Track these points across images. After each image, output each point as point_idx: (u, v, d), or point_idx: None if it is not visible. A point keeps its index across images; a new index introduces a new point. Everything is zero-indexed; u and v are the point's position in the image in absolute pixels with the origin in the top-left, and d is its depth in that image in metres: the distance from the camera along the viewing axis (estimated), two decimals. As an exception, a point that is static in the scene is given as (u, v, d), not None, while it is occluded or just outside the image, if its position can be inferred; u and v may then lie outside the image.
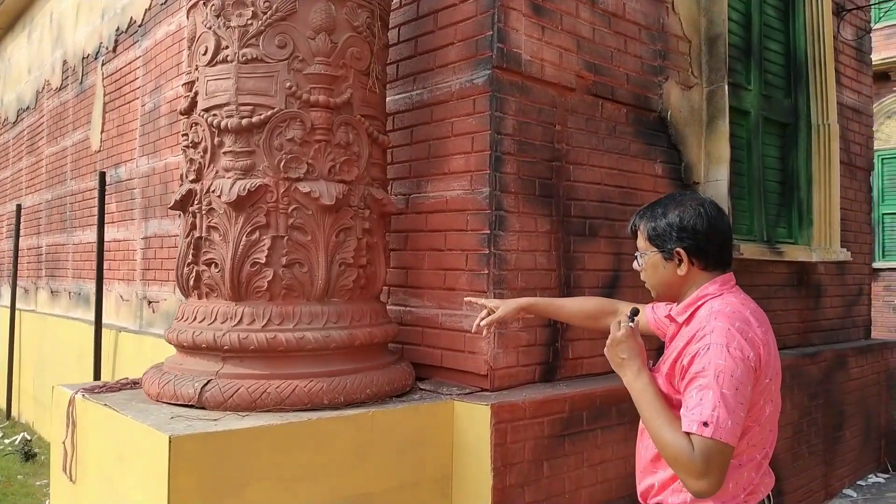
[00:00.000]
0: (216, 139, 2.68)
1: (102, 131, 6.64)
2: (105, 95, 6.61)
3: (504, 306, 2.28)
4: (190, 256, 2.71)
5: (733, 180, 4.27)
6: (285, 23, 2.65)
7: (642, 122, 3.71)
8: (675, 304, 1.80)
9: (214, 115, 2.68)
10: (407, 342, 3.26)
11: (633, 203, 3.61)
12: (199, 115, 2.73)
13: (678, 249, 1.72)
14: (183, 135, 2.85)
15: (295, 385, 2.51)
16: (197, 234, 2.71)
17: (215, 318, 2.62)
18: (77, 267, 7.17)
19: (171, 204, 2.79)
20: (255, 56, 2.64)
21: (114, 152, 6.34)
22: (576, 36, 3.33)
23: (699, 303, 1.71)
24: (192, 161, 2.77)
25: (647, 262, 1.80)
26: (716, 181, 4.02)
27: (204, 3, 2.73)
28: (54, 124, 7.98)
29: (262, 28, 2.64)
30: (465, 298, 2.44)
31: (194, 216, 2.73)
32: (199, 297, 2.73)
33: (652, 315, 2.04)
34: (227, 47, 2.67)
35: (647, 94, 3.73)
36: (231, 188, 2.60)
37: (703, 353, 1.55)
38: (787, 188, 4.89)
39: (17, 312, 8.35)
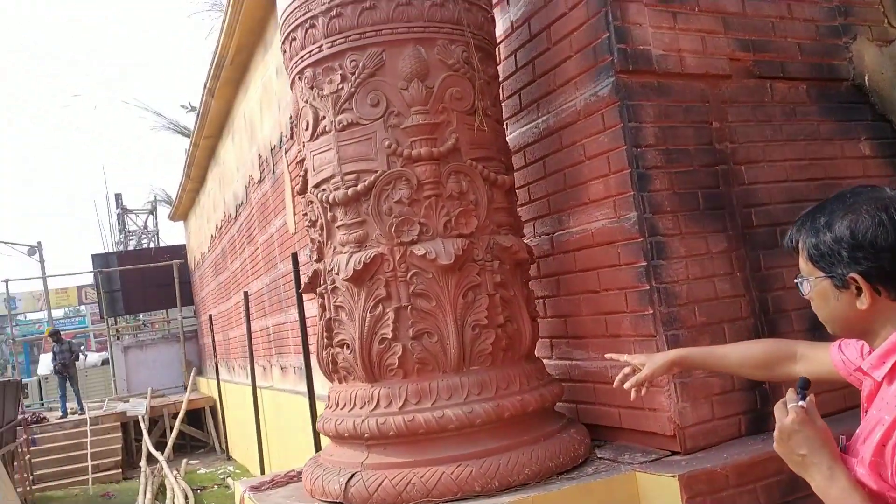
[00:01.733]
0: (329, 214, 2.56)
1: (294, 214, 7.04)
2: (291, 181, 7.03)
3: (650, 363, 1.81)
4: (325, 339, 2.59)
5: (980, 140, 3.34)
6: (375, 79, 2.48)
7: (831, 96, 3.01)
8: (865, 344, 1.28)
9: (323, 189, 2.56)
10: (580, 401, 2.86)
11: (836, 195, 2.91)
12: (311, 192, 2.63)
13: (853, 275, 1.22)
14: (303, 214, 2.77)
15: (441, 472, 2.24)
16: (327, 315, 2.58)
17: (354, 404, 2.45)
18: (297, 343, 7.62)
19: (302, 287, 2.70)
20: (350, 121, 2.49)
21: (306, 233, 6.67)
22: (720, 14, 2.79)
23: None
24: (313, 241, 2.67)
25: (815, 290, 1.30)
26: (953, 147, 3.15)
27: (299, 76, 2.65)
28: (261, 214, 8.68)
29: (353, 90, 2.49)
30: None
31: (322, 297, 2.61)
32: (340, 382, 2.59)
33: (839, 356, 1.47)
34: (324, 118, 2.56)
35: (832, 61, 3.03)
36: (347, 263, 2.44)
37: None
38: None
39: (257, 390, 9.10)
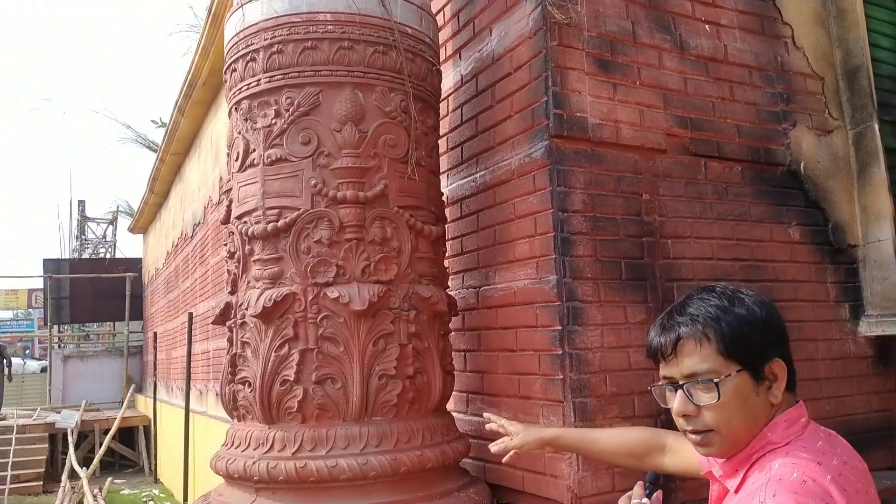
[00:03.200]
0: (247, 247, 2.51)
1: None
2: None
3: (524, 434, 1.85)
4: (228, 375, 2.52)
5: (907, 238, 3.42)
6: (309, 118, 2.46)
7: (765, 179, 3.07)
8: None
9: (245, 222, 2.52)
10: (488, 460, 2.81)
11: (761, 279, 2.95)
12: (233, 223, 2.59)
13: (777, 360, 1.18)
14: (223, 245, 2.72)
15: (325, 524, 2.16)
16: (233, 350, 2.52)
17: (249, 444, 2.38)
18: (232, 371, 7.45)
19: (213, 318, 2.64)
20: (279, 156, 2.47)
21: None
22: (661, 89, 2.84)
23: (755, 457, 1.14)
24: (229, 272, 2.62)
25: (730, 390, 1.17)
26: (878, 242, 3.23)
27: (236, 107, 2.62)
28: (215, 236, 8.56)
29: (286, 126, 2.47)
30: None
31: (231, 331, 2.55)
32: (239, 420, 2.51)
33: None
34: (254, 150, 2.53)
35: (769, 145, 3.10)
36: (258, 299, 2.39)
37: None
38: None
39: (191, 414, 8.84)
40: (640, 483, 1.28)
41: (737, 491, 1.15)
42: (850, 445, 1.20)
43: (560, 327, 2.48)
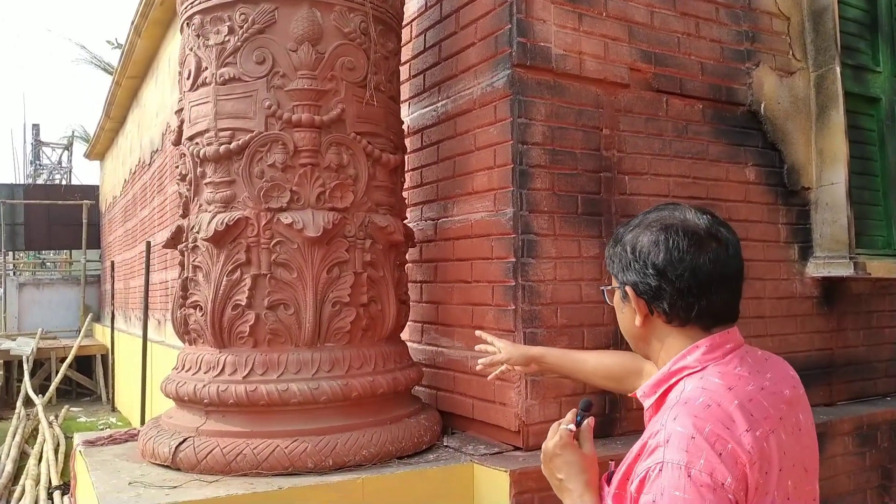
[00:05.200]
0: (199, 170, 2.45)
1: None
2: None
3: (511, 349, 1.86)
4: (180, 298, 2.49)
5: (859, 183, 3.49)
6: (264, 36, 2.37)
7: (725, 118, 3.08)
8: None
9: (196, 143, 2.45)
10: (440, 388, 2.86)
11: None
12: (185, 144, 2.51)
13: (627, 287, 1.20)
14: (175, 167, 2.65)
15: (275, 446, 2.19)
16: (185, 274, 2.48)
17: (199, 368, 2.37)
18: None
19: (165, 242, 2.59)
20: (232, 76, 2.39)
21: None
22: (627, 22, 2.80)
23: (672, 380, 1.16)
24: (181, 195, 2.56)
25: (614, 302, 1.29)
26: (831, 185, 3.28)
27: (188, 22, 2.52)
28: (175, 163, 8.35)
29: (240, 44, 2.38)
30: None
31: (182, 255, 2.51)
32: (189, 344, 2.50)
33: None
34: (206, 69, 2.44)
35: (731, 84, 3.10)
36: (210, 223, 2.34)
37: (653, 476, 1.01)
38: (938, 188, 3.96)
39: (149, 343, 8.80)
40: (573, 410, 1.31)
41: (655, 412, 1.18)
42: (787, 372, 1.21)
43: (514, 259, 2.49)
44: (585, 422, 1.29)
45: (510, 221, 2.51)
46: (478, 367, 1.96)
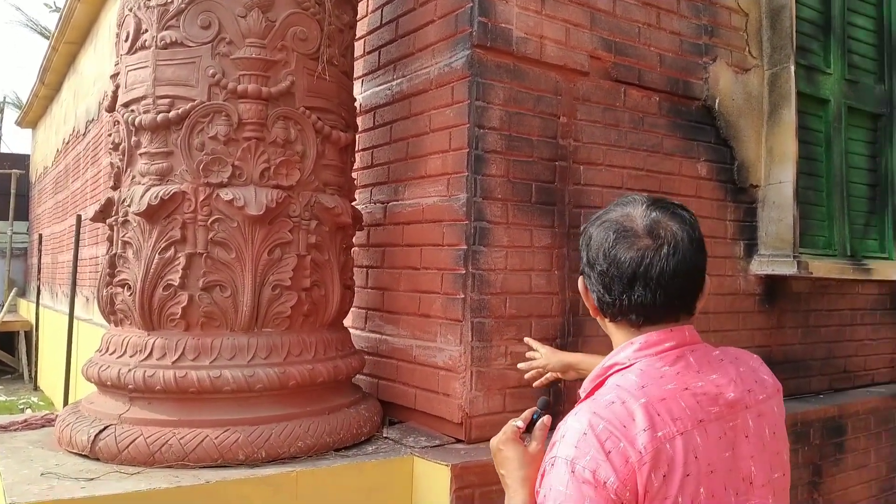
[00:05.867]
0: (133, 139, 2.28)
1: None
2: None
3: (549, 355, 1.93)
4: (107, 276, 2.32)
5: (805, 183, 3.53)
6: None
7: (681, 112, 3.05)
8: None
9: (132, 110, 2.28)
10: (382, 377, 2.76)
11: (666, 211, 2.96)
12: (119, 111, 2.34)
13: (580, 277, 1.19)
14: (108, 135, 2.47)
15: (204, 436, 2.06)
16: (113, 250, 2.31)
17: (125, 351, 2.21)
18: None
19: (93, 215, 2.41)
20: (174, 39, 2.22)
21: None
22: (589, 8, 2.73)
23: (605, 376, 1.12)
24: (112, 165, 2.39)
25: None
26: (779, 183, 3.30)
27: (126, -20, 2.34)
28: (109, 135, 7.99)
29: (184, 6, 2.22)
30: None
31: (112, 229, 2.34)
32: (116, 325, 2.33)
33: None
34: (146, 31, 2.27)
35: (688, 78, 3.07)
36: (143, 196, 2.18)
37: (547, 471, 1.01)
38: (878, 192, 4.05)
39: (75, 321, 8.42)
40: (530, 409, 1.28)
41: None
42: (747, 376, 1.13)
43: (465, 247, 2.41)
44: (541, 420, 1.24)
45: (463, 207, 2.42)
46: (526, 376, 2.07)
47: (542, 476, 1.02)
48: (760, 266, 3.32)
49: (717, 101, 3.18)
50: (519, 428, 1.23)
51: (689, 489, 0.95)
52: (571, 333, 2.62)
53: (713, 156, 3.17)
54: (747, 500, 1.01)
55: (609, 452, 0.95)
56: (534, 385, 2.09)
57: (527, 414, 1.25)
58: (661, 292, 1.05)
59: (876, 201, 4.04)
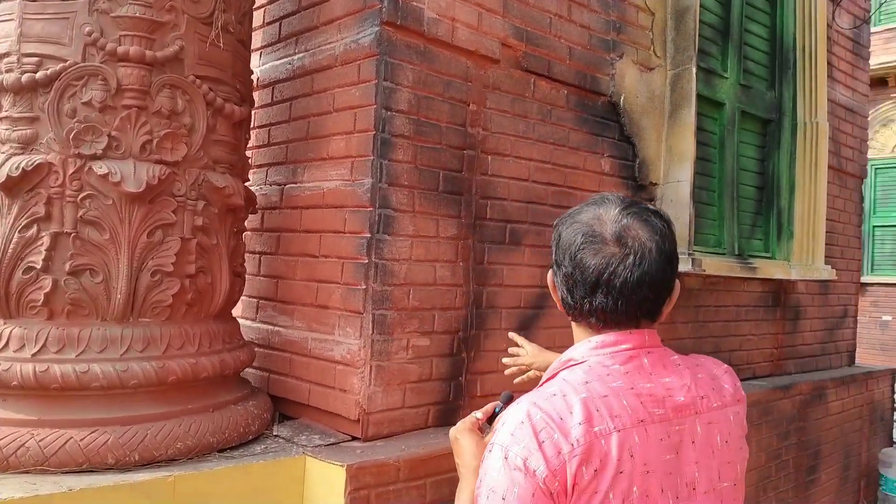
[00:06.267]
0: (-8, 100, 2.00)
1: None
2: None
3: (536, 353, 1.83)
4: (-43, 255, 2.03)
5: (700, 183, 3.62)
6: (86, -54, 1.97)
7: (587, 106, 3.04)
8: None
9: (-8, 67, 2.00)
10: (274, 371, 2.60)
11: (569, 205, 2.93)
12: (-24, 67, 2.04)
13: (549, 271, 1.17)
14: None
15: (68, 437, 1.84)
16: (-34, 226, 2.03)
17: (-23, 341, 1.95)
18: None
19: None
20: (44, -11, 1.96)
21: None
22: (502, -7, 2.65)
23: (560, 369, 1.10)
24: (-33, 129, 2.09)
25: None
26: (676, 182, 3.36)
27: (-13, -83, 2.04)
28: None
29: (55, -49, 1.96)
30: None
31: (-36, 202, 2.05)
32: (-32, 311, 2.05)
33: None
34: (9, -23, 1.99)
35: (596, 73, 3.06)
36: (2, 167, 1.92)
37: (486, 455, 1.03)
38: (765, 194, 4.24)
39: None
40: (493, 402, 1.27)
41: None
42: (705, 383, 1.10)
43: (369, 235, 2.28)
44: (501, 413, 1.22)
45: (367, 193, 2.29)
46: (507, 371, 1.92)
47: (483, 460, 1.03)
48: (656, 262, 3.36)
49: (622, 97, 3.18)
50: (478, 419, 1.23)
51: (620, 486, 0.95)
52: (474, 326, 2.55)
53: (616, 152, 3.18)
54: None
55: (542, 442, 0.95)
56: (514, 382, 1.90)
57: (488, 407, 1.25)
58: (622, 301, 1.04)
59: (762, 203, 4.22)
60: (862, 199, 5.18)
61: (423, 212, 2.41)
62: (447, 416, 2.48)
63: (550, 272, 1.16)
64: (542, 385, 1.10)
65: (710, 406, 1.08)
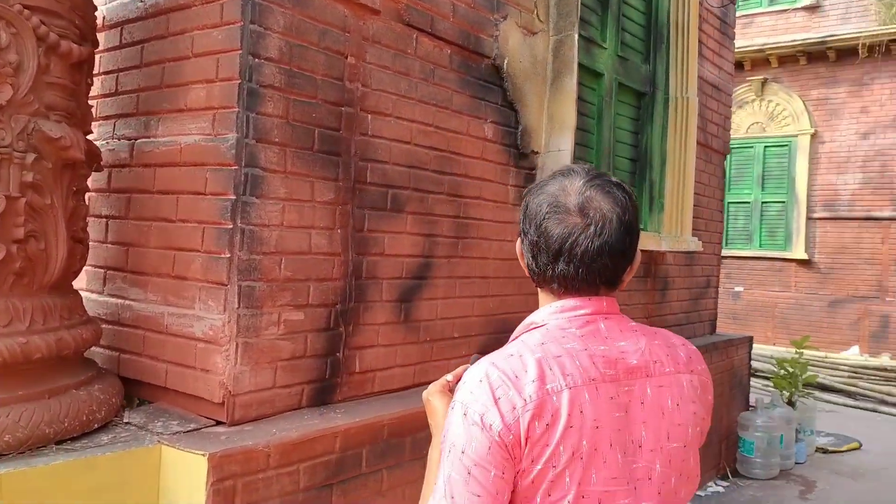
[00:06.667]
0: None
1: None
2: None
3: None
4: None
5: (579, 153, 3.61)
6: None
7: (471, 68, 2.91)
8: None
9: None
10: (125, 350, 2.31)
11: (452, 172, 2.82)
12: None
13: (518, 237, 1.20)
14: None
15: None
16: None
17: None
18: None
19: None
20: None
21: None
22: (383, -61, 2.45)
23: (521, 332, 1.15)
24: None
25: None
26: (557, 151, 3.32)
27: None
28: None
29: None
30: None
31: None
32: None
33: None
34: None
35: (479, 33, 2.93)
36: None
37: (449, 412, 1.08)
38: (638, 167, 4.32)
39: None
40: (463, 366, 1.20)
41: None
42: (659, 349, 1.12)
43: (234, 197, 2.05)
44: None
45: (232, 150, 2.05)
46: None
47: (447, 417, 1.08)
48: (537, 232, 3.32)
49: (505, 61, 3.08)
50: (449, 381, 1.22)
51: (570, 440, 1.01)
52: (353, 298, 2.38)
53: (499, 118, 3.09)
54: (634, 461, 1.06)
55: (498, 399, 1.01)
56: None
57: (459, 370, 1.22)
58: (583, 269, 1.09)
59: (636, 175, 4.30)
60: (724, 174, 5.43)
61: (296, 173, 2.20)
62: (323, 395, 2.30)
63: (518, 240, 1.21)
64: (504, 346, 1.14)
65: (662, 370, 1.12)
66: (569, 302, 1.12)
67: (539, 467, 1.00)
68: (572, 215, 1.08)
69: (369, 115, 2.45)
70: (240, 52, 2.06)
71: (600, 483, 1.02)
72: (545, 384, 1.02)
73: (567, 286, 1.11)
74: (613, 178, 1.15)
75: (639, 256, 1.16)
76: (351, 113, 2.38)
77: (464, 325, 2.92)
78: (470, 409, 1.02)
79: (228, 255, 2.04)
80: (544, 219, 1.10)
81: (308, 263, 2.23)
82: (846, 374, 8.02)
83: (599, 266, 1.09)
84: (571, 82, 3.30)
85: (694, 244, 4.43)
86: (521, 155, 3.25)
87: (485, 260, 3.07)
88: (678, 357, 1.15)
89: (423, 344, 2.68)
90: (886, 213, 9.48)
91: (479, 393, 1.03)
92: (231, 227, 2.04)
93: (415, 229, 2.64)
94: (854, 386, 7.41)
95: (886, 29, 9.23)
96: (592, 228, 1.07)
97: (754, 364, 7.12)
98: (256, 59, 2.08)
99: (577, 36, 3.29)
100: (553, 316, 1.11)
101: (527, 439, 1.00)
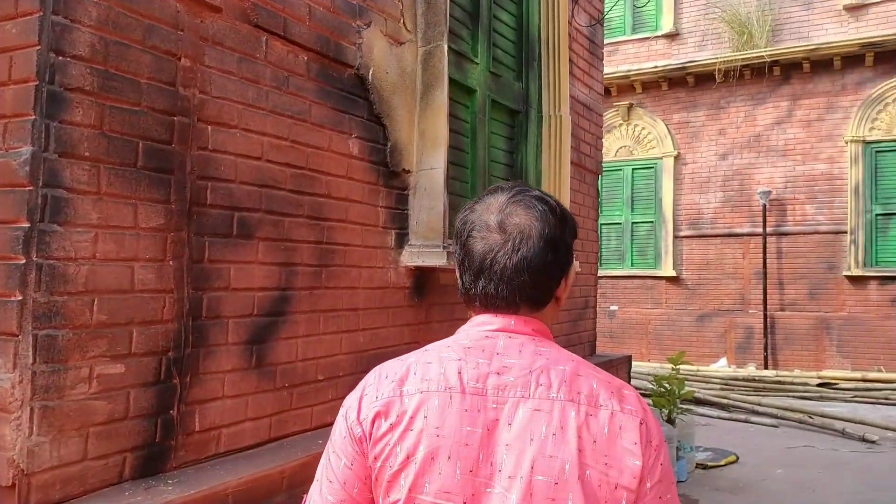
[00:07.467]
0: None
1: None
2: None
3: None
4: None
5: (453, 172, 3.40)
6: None
7: (331, 78, 2.63)
8: None
9: None
10: None
11: (313, 192, 2.52)
12: None
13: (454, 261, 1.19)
14: None
15: None
16: None
17: None
18: None
19: None
20: None
21: None
22: (223, -74, 2.13)
23: None
24: None
25: None
26: (430, 170, 3.09)
27: None
28: None
29: None
30: None
31: None
32: None
33: None
34: None
35: (341, 40, 2.66)
36: None
37: None
38: (515, 186, 4.16)
39: None
40: None
41: None
42: (532, 368, 1.03)
43: (28, 224, 1.65)
44: None
45: (26, 166, 1.66)
46: None
47: None
48: (411, 257, 3.07)
49: (370, 71, 2.82)
50: None
51: (407, 442, 1.01)
52: (191, 343, 2.01)
53: (366, 133, 2.82)
54: (487, 484, 1.00)
55: (364, 396, 1.07)
56: None
57: None
58: (502, 286, 1.07)
59: (512, 195, 4.14)
60: (598, 194, 5.42)
61: (114, 194, 1.82)
62: (153, 464, 1.92)
63: (454, 259, 1.19)
64: None
65: (545, 396, 1.02)
66: (480, 317, 1.12)
67: (379, 465, 1.02)
68: (493, 232, 1.08)
69: (209, 127, 2.11)
70: (38, 48, 1.68)
71: (431, 494, 0.99)
72: (402, 386, 1.05)
73: (487, 304, 1.09)
74: (540, 193, 1.12)
75: (572, 273, 1.12)
76: (186, 123, 2.03)
77: (330, 366, 2.60)
78: (344, 404, 1.09)
79: (20, 298, 1.63)
80: (468, 237, 1.10)
81: (130, 303, 1.85)
82: (718, 386, 8.28)
83: (518, 283, 1.06)
84: (442, 96, 3.08)
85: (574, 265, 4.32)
86: (391, 173, 2.99)
87: (353, 290, 2.78)
88: (578, 387, 1.04)
89: (281, 391, 2.33)
90: (746, 230, 10.00)
91: (357, 388, 1.10)
92: (24, 262, 1.64)
93: (268, 258, 2.31)
94: (726, 398, 7.63)
95: (740, 55, 9.79)
96: (510, 244, 1.06)
97: (633, 382, 7.19)
98: (60, 58, 1.71)
99: (446, 47, 3.09)
100: (463, 329, 1.13)
101: (370, 434, 1.03)
